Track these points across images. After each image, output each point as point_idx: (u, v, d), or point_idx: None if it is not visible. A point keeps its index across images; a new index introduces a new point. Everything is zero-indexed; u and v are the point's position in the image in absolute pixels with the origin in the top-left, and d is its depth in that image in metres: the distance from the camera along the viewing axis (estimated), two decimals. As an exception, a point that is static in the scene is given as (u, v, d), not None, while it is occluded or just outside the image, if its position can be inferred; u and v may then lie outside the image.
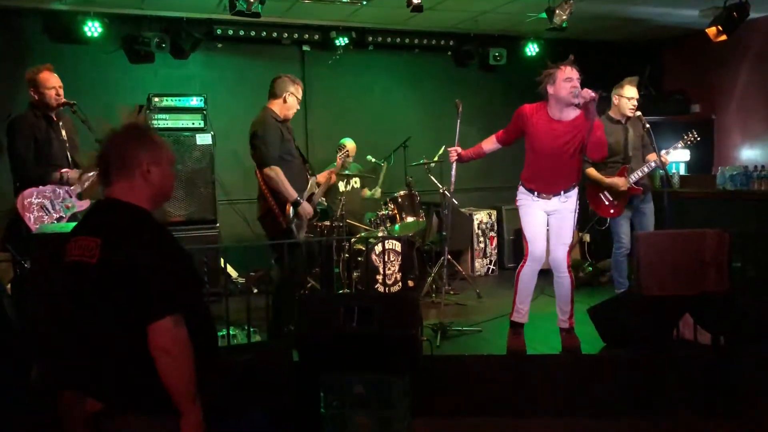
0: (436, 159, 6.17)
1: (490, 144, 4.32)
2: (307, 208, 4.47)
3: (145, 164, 2.14)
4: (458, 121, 4.62)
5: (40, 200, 4.23)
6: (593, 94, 3.84)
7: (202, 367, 2.06)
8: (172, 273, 2.04)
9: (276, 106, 4.50)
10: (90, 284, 2.01)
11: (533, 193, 4.15)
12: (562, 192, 4.11)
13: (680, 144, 5.16)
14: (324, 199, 5.17)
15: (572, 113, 4.01)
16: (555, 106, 4.01)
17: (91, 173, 4.26)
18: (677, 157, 7.19)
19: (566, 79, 3.91)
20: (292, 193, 4.39)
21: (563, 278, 4.15)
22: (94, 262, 2.01)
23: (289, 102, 4.49)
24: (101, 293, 2.00)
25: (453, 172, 4.60)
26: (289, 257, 4.35)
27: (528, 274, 4.17)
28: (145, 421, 2.00)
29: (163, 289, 2.00)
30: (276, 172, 4.36)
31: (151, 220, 2.14)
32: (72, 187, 4.32)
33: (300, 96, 4.55)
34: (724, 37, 6.03)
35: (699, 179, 7.08)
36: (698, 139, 5.14)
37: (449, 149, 4.42)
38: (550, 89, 3.99)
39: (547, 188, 4.12)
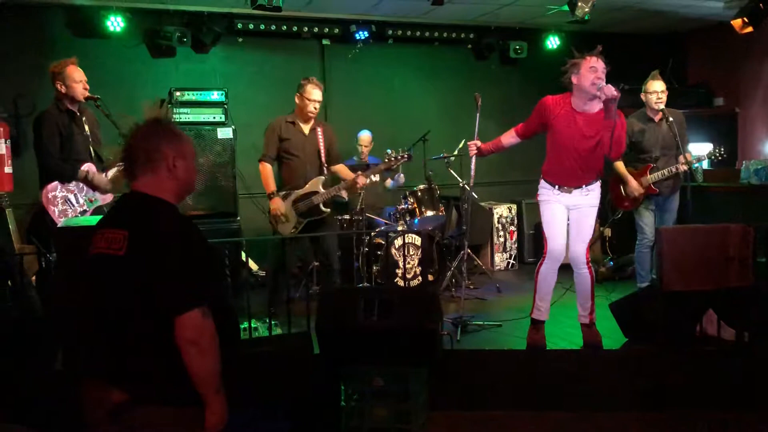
0: (455, 153, 6.15)
1: (509, 138, 4.26)
2: (275, 203, 4.75)
3: (171, 158, 2.16)
4: (477, 114, 4.61)
5: (64, 193, 4.29)
6: (615, 93, 3.76)
7: (224, 359, 2.08)
8: (200, 265, 2.06)
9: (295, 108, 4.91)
10: (117, 276, 2.03)
11: (554, 187, 4.10)
12: (583, 185, 4.07)
13: (704, 156, 5.13)
14: (345, 192, 5.20)
15: (596, 106, 3.94)
16: (579, 97, 3.94)
17: (114, 168, 4.30)
18: (701, 151, 7.12)
19: (591, 68, 3.84)
20: (267, 188, 4.81)
21: (583, 274, 4.12)
22: (121, 254, 2.03)
23: (297, 103, 4.86)
24: (128, 285, 2.01)
25: (472, 166, 4.59)
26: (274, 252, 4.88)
27: (547, 272, 4.14)
28: (170, 412, 2.01)
29: (190, 282, 2.02)
30: (261, 167, 4.81)
31: (177, 213, 2.16)
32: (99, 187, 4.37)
33: (310, 95, 4.79)
34: (750, 29, 5.94)
35: (723, 173, 6.98)
36: (725, 156, 5.16)
37: (469, 143, 4.39)
38: (575, 79, 3.91)
39: (568, 181, 4.07)
